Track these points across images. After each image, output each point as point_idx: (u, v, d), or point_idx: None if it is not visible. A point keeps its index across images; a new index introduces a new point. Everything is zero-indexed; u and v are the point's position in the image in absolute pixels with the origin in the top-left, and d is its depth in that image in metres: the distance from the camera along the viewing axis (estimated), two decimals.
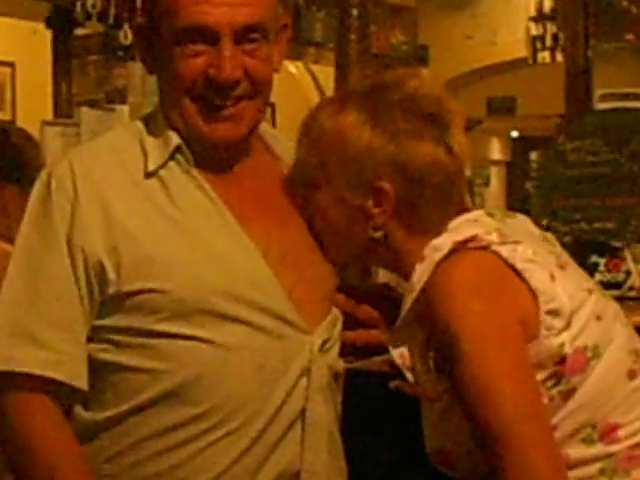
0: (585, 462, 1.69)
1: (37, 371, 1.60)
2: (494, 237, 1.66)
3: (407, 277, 1.67)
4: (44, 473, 1.61)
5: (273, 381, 1.62)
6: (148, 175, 1.65)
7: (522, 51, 6.42)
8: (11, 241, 2.83)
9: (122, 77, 5.72)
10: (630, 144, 4.36)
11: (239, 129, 1.67)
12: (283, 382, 1.63)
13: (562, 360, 1.67)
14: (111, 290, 1.61)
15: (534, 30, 6.37)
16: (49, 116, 5.22)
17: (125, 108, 4.34)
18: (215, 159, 1.69)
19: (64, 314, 1.64)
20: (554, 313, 1.68)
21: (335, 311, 1.71)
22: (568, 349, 1.67)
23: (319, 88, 7.20)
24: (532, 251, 1.68)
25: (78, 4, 5.21)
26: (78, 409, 1.65)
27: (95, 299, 1.63)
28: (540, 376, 1.66)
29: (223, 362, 1.60)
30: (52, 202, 1.66)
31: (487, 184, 6.52)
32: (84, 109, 4.30)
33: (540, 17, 6.27)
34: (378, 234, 1.69)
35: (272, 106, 5.97)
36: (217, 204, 1.65)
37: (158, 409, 1.61)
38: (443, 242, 1.65)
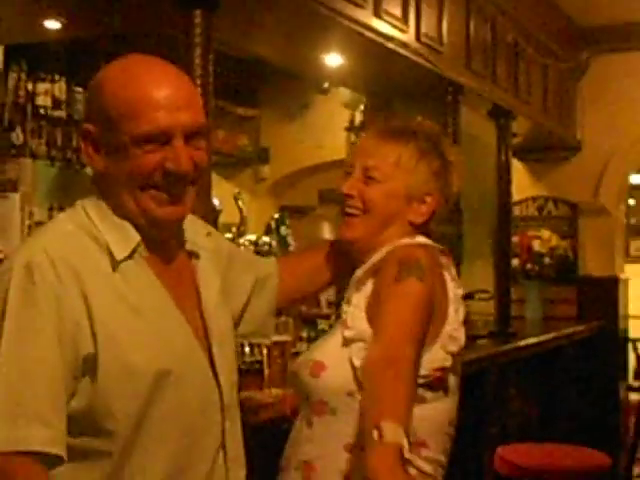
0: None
1: (46, 449, 1.48)
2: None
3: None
4: None
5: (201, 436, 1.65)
6: (115, 266, 1.59)
7: (342, 153, 6.53)
8: None
9: (14, 170, 5.59)
10: None
11: (185, 210, 1.66)
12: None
13: (442, 369, 1.75)
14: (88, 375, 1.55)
15: (351, 137, 6.53)
16: None
17: (17, 196, 4.26)
18: (155, 243, 1.67)
19: (56, 394, 1.53)
20: (453, 338, 1.77)
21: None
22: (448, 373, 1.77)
23: None
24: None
25: None
26: None
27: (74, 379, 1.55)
28: (421, 371, 1.72)
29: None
30: (37, 293, 1.51)
31: None
32: None
33: (352, 128, 6.40)
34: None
35: None
36: (163, 293, 1.64)
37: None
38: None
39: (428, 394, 1.75)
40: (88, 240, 1.61)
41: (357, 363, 1.73)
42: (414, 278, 1.71)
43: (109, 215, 1.63)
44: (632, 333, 6.97)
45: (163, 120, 1.58)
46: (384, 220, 1.86)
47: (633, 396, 6.58)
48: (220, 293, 1.79)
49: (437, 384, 1.76)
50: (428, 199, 1.87)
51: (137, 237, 1.63)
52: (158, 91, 1.60)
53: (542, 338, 5.35)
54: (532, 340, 5.17)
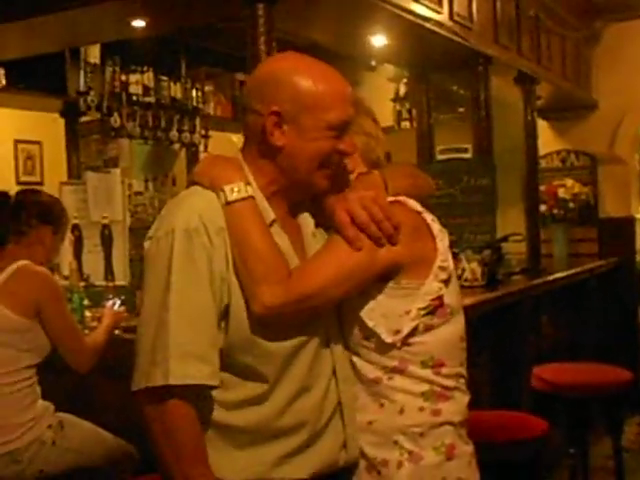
0: (420, 380, 1.69)
1: (208, 382, 1.54)
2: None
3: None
4: (189, 461, 1.54)
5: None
6: None
7: (390, 121, 6.45)
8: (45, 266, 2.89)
9: (115, 149, 5.66)
10: (461, 183, 4.42)
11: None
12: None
13: (439, 298, 1.69)
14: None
15: (397, 107, 6.45)
16: (65, 178, 5.15)
17: (118, 171, 4.29)
18: (292, 207, 1.70)
19: (213, 335, 1.56)
20: (442, 268, 1.70)
21: None
22: (445, 298, 1.70)
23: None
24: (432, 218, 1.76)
25: (81, 100, 5.16)
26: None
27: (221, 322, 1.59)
28: (420, 304, 1.67)
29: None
30: (195, 254, 1.54)
31: None
32: (89, 172, 4.26)
33: (397, 99, 6.33)
34: None
35: None
36: (292, 252, 1.65)
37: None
38: None
39: (434, 320, 1.69)
40: None
41: (362, 313, 1.69)
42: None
43: (255, 187, 1.63)
44: None
45: (350, 113, 1.61)
46: None
47: None
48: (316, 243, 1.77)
49: (439, 310, 1.70)
50: None
51: (272, 216, 1.64)
52: (345, 89, 1.63)
53: (568, 273, 5.26)
54: (560, 275, 5.09)
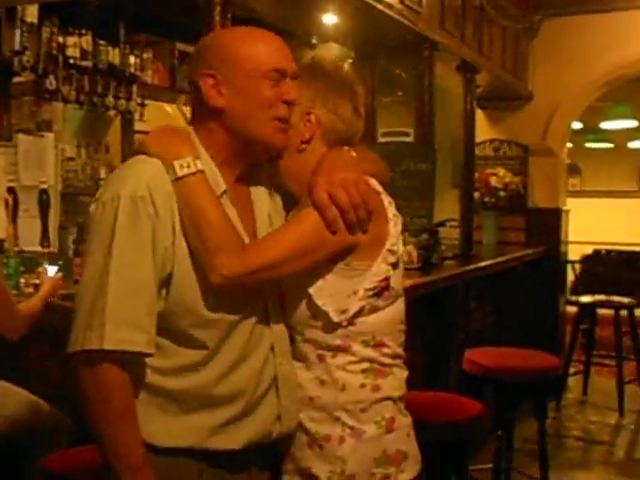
0: (361, 359, 1.72)
1: (142, 350, 1.55)
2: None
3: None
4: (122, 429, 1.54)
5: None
6: None
7: None
8: None
9: (48, 112, 5.50)
10: (401, 166, 4.46)
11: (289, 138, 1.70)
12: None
13: (386, 279, 1.72)
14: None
15: None
16: None
17: (51, 135, 4.18)
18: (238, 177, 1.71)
19: (152, 303, 1.55)
20: (392, 252, 1.73)
21: None
22: (392, 281, 1.73)
23: (187, 122, 7.15)
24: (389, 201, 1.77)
25: (16, 59, 5.00)
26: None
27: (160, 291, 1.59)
28: (367, 285, 1.69)
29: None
30: (140, 222, 1.54)
31: None
32: (20, 135, 4.15)
33: None
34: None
35: None
36: (239, 224, 1.65)
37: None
38: None
39: (379, 302, 1.73)
40: None
41: (311, 292, 1.70)
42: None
43: (206, 158, 1.64)
44: (570, 256, 7.03)
45: (285, 63, 1.65)
46: None
47: (570, 308, 6.66)
48: (268, 216, 1.77)
49: (385, 292, 1.74)
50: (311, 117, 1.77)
51: (223, 187, 1.65)
52: (274, 41, 1.67)
53: (499, 259, 5.38)
54: (490, 261, 5.20)
